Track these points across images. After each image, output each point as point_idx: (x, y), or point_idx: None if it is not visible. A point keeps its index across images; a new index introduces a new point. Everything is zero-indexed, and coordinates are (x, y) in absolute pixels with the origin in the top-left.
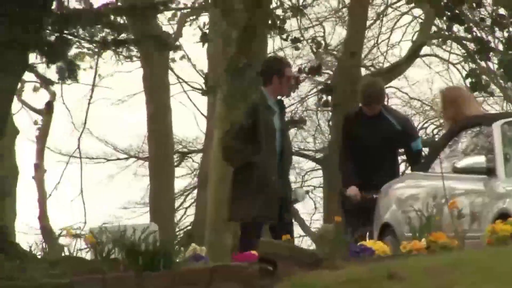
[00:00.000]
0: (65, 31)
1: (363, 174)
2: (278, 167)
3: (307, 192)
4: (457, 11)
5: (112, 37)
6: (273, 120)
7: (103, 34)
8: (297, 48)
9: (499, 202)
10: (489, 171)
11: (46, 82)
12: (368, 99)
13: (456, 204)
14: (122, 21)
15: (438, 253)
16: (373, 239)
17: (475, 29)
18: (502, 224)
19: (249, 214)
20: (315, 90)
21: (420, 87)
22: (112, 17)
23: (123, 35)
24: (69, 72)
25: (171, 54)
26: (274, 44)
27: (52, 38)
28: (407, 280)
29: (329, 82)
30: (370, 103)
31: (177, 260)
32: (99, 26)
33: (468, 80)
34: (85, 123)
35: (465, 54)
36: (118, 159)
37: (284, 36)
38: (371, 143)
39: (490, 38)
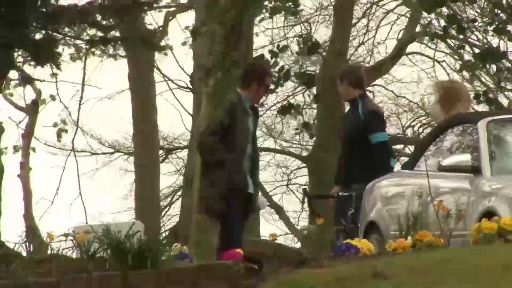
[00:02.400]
0: (50, 29)
1: (340, 169)
2: (248, 169)
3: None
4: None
5: (99, 35)
6: (248, 122)
7: (90, 32)
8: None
9: (484, 201)
10: (475, 169)
11: (26, 82)
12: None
13: (442, 202)
14: (108, 21)
15: (424, 252)
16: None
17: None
18: (488, 223)
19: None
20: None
21: (406, 85)
22: (98, 16)
23: (110, 34)
24: (50, 59)
25: (159, 55)
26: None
27: (38, 36)
28: (393, 278)
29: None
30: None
31: (163, 259)
32: (84, 24)
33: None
34: (77, 122)
35: (452, 52)
36: (103, 153)
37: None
38: (342, 135)
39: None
